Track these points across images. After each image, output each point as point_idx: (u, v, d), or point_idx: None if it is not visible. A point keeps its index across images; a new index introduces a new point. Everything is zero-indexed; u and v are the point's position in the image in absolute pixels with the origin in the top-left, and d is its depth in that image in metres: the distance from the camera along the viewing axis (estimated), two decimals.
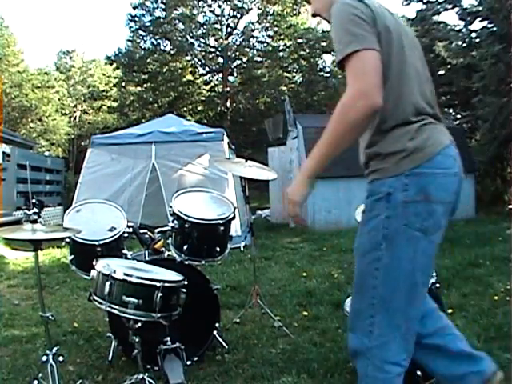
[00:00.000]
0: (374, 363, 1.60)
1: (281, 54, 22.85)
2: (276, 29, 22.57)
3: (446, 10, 14.64)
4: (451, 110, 19.20)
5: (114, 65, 23.55)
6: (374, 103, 1.45)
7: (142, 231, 3.08)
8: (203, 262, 2.98)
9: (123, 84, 23.71)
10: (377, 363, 1.60)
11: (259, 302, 3.59)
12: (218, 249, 2.98)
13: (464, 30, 14.41)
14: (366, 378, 1.64)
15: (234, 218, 3.06)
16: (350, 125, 1.51)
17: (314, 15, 1.85)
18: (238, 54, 23.04)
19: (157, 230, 3.07)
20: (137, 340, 2.21)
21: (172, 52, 22.48)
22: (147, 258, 2.96)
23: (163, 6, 22.03)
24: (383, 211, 1.55)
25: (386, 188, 1.55)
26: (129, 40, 23.28)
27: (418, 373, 2.19)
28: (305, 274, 5.13)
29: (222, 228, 2.95)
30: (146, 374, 2.26)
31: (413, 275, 1.57)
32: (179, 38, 21.92)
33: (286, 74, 23.31)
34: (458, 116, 18.00)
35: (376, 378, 1.61)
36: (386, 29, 1.55)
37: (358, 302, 1.69)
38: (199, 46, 23.03)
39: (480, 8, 12.05)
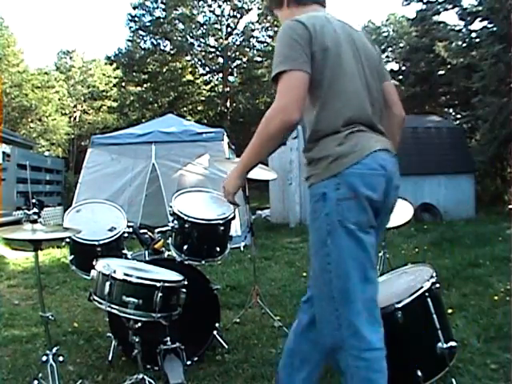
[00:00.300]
0: (353, 354, 1.67)
1: None
2: (276, 29, 22.55)
3: (446, 10, 14.66)
4: (451, 110, 19.22)
5: (114, 65, 23.57)
6: (291, 119, 1.61)
7: (141, 231, 3.08)
8: (203, 262, 2.98)
9: (123, 84, 23.72)
10: (355, 353, 1.67)
11: (259, 302, 3.59)
12: (218, 249, 2.97)
13: (464, 30, 14.42)
14: (350, 369, 1.69)
15: (233, 218, 3.06)
16: (268, 136, 1.67)
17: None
18: (237, 54, 23.05)
19: (157, 230, 3.07)
20: (137, 340, 2.21)
21: (172, 52, 22.49)
22: (147, 258, 2.96)
23: (163, 6, 22.03)
24: (322, 210, 1.69)
25: (322, 189, 1.70)
26: (129, 40, 23.30)
27: (418, 373, 2.18)
28: (305, 274, 5.13)
29: (221, 228, 2.95)
30: (146, 374, 2.26)
31: (360, 263, 1.69)
32: (179, 38, 21.93)
33: None
34: (458, 116, 18.02)
35: (358, 368, 1.67)
36: (322, 48, 1.68)
37: (319, 300, 1.79)
38: (199, 46, 23.04)
39: (480, 8, 12.05)
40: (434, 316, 2.23)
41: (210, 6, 22.54)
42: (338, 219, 1.66)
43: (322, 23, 1.75)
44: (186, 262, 2.89)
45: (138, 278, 2.16)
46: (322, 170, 1.71)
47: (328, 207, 1.68)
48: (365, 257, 1.70)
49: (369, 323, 1.71)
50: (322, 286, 1.74)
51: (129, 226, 3.02)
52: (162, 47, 23.08)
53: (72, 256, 2.98)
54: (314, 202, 1.74)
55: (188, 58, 23.09)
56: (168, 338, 2.52)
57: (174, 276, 2.39)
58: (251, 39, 23.21)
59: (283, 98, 1.63)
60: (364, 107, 1.75)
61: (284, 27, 1.74)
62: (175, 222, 2.92)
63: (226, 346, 2.96)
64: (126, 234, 2.99)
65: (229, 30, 22.85)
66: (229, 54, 22.60)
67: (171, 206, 2.96)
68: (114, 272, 2.14)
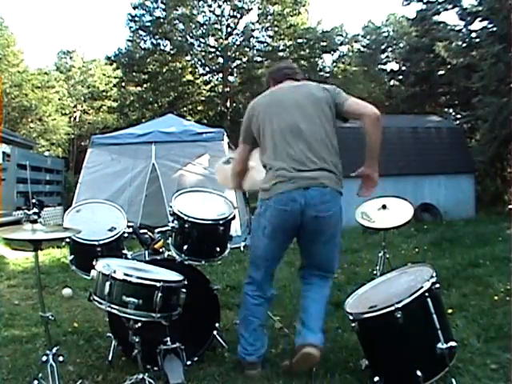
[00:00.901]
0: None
1: (281, 54, 22.79)
2: (276, 29, 22.54)
3: (446, 10, 14.66)
4: (451, 110, 19.21)
5: (114, 65, 23.52)
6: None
7: (141, 231, 3.08)
8: (203, 262, 2.98)
9: (123, 84, 23.68)
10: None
11: None
12: (218, 249, 2.98)
13: (464, 30, 14.42)
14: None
15: (234, 218, 3.06)
16: None
17: None
18: (237, 54, 23.01)
19: (157, 230, 3.07)
20: (137, 340, 2.21)
21: (172, 52, 22.45)
22: (147, 258, 2.96)
23: (163, 6, 21.99)
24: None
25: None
26: (129, 40, 23.25)
27: (418, 373, 2.19)
28: None
29: (221, 228, 2.95)
30: (146, 374, 2.26)
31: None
32: (179, 38, 21.89)
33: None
34: (458, 116, 18.00)
35: None
36: (257, 118, 2.81)
37: None
38: (199, 46, 23.00)
39: (480, 8, 12.05)
40: (434, 316, 2.24)
41: (210, 6, 22.50)
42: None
43: (268, 94, 2.89)
44: (186, 262, 2.89)
45: (138, 278, 2.17)
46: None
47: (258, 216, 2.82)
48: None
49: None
50: None
51: (129, 226, 3.02)
52: (162, 47, 23.03)
53: (72, 256, 2.98)
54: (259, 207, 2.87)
55: (188, 58, 23.05)
56: (168, 338, 2.52)
57: (174, 276, 2.39)
58: (251, 39, 23.16)
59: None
60: (292, 154, 2.63)
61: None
62: (175, 222, 2.92)
63: (226, 346, 2.96)
64: (125, 234, 2.99)
65: (229, 29, 22.81)
66: (229, 54, 22.57)
67: (171, 206, 2.96)
68: (114, 272, 2.14)
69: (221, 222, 2.96)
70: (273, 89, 2.86)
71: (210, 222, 2.93)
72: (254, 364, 2.62)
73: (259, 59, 23.16)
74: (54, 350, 2.23)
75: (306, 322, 2.68)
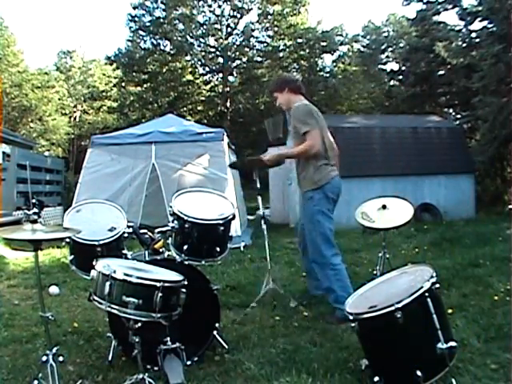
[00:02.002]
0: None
1: (281, 54, 22.84)
2: (276, 29, 22.56)
3: (446, 10, 14.66)
4: (451, 110, 19.21)
5: (114, 65, 23.55)
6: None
7: (141, 231, 3.08)
8: (203, 262, 2.98)
9: (123, 84, 23.70)
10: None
11: (275, 285, 3.80)
12: (218, 249, 2.98)
13: (464, 30, 14.42)
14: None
15: (234, 217, 3.06)
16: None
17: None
18: (237, 53, 23.03)
19: (157, 230, 3.07)
20: (137, 340, 2.21)
21: (172, 52, 22.47)
22: (147, 258, 2.96)
23: (163, 6, 22.02)
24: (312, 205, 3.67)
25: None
26: (129, 40, 23.28)
27: (418, 373, 2.19)
28: (305, 274, 5.12)
29: (221, 228, 2.95)
30: (146, 374, 2.26)
31: None
32: (179, 38, 21.91)
33: (286, 73, 23.29)
34: (458, 116, 18.00)
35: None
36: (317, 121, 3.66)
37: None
38: (199, 46, 23.02)
39: (480, 8, 12.04)
40: (434, 316, 2.23)
41: (210, 6, 22.52)
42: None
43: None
44: (186, 262, 2.89)
45: (138, 278, 2.16)
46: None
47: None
48: None
49: None
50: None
51: (129, 226, 3.02)
52: (162, 47, 23.06)
53: (72, 256, 2.98)
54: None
55: (188, 58, 23.06)
56: (168, 338, 2.52)
57: (174, 276, 2.39)
58: (251, 39, 23.19)
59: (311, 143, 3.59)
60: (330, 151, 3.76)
61: (300, 105, 3.74)
62: (175, 222, 2.92)
63: (226, 346, 2.96)
64: (125, 234, 2.99)
65: (229, 30, 22.82)
66: (229, 53, 22.57)
67: (171, 206, 2.96)
68: (114, 272, 2.14)
69: (221, 222, 2.95)
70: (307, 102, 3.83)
71: (210, 222, 2.93)
72: None
73: (259, 59, 23.19)
74: (54, 350, 2.23)
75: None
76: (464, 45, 14.01)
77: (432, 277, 2.35)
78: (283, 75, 4.50)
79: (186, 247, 2.87)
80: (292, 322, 3.54)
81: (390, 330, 2.29)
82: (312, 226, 3.59)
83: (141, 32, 22.80)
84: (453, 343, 2.24)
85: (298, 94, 3.81)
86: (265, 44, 23.37)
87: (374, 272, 3.84)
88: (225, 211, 3.04)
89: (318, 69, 23.82)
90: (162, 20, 22.03)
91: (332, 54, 24.58)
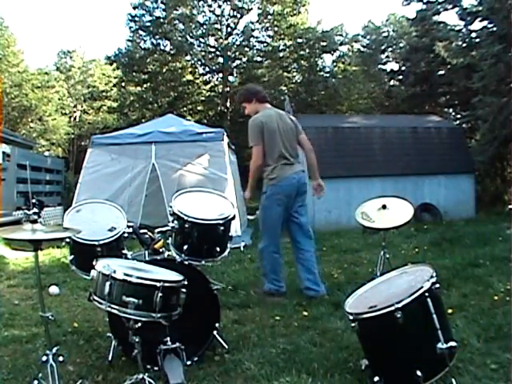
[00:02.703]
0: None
1: (281, 54, 22.80)
2: (276, 29, 22.52)
3: (446, 10, 14.65)
4: (451, 110, 19.20)
5: (114, 65, 23.51)
6: (258, 164, 4.20)
7: (141, 231, 3.08)
8: (203, 262, 2.98)
9: (123, 84, 23.66)
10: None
11: None
12: (218, 249, 2.98)
13: (464, 30, 14.41)
14: None
15: (234, 218, 3.06)
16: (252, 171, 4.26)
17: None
18: (237, 53, 23.00)
19: (157, 230, 3.07)
20: (137, 340, 2.20)
21: (172, 52, 22.44)
22: (147, 258, 2.96)
23: (163, 6, 21.99)
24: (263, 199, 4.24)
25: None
26: (129, 40, 23.23)
27: (418, 373, 2.19)
28: None
29: (222, 228, 2.95)
30: (146, 374, 2.26)
31: None
32: (179, 38, 21.88)
33: (285, 73, 23.27)
34: (458, 116, 18.00)
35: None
36: (267, 130, 4.15)
37: None
38: (199, 46, 22.98)
39: (480, 8, 12.04)
40: (434, 316, 2.24)
41: (210, 5, 22.48)
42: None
43: (269, 115, 4.24)
44: (186, 262, 2.89)
45: (138, 278, 2.16)
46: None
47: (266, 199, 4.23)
48: None
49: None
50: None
51: (129, 226, 3.02)
52: (162, 47, 23.01)
53: (72, 256, 2.98)
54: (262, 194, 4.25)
55: (188, 57, 23.03)
56: (168, 338, 2.52)
57: (174, 276, 2.39)
58: (251, 39, 23.15)
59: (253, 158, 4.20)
60: (282, 151, 4.18)
61: (252, 120, 4.22)
62: (175, 222, 2.92)
63: (226, 346, 2.96)
64: (125, 234, 2.99)
65: (229, 29, 22.79)
66: (229, 54, 22.54)
67: (171, 206, 2.96)
68: (114, 272, 2.14)
69: (221, 221, 2.96)
70: (266, 111, 4.32)
71: (210, 221, 2.94)
72: (285, 293, 4.20)
73: (259, 59, 23.16)
74: (54, 350, 2.23)
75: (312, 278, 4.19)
76: (464, 45, 14.00)
77: (432, 277, 2.35)
78: (249, 86, 4.84)
79: (186, 247, 2.87)
80: (292, 321, 3.55)
81: (390, 330, 2.29)
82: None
83: (141, 32, 22.76)
84: (453, 343, 2.24)
85: (264, 103, 4.33)
86: (265, 44, 23.34)
87: (374, 272, 3.84)
88: (225, 211, 3.04)
89: (318, 69, 23.76)
90: (162, 20, 21.99)
91: (332, 54, 24.56)
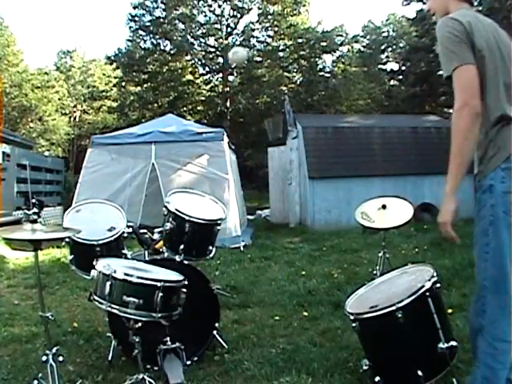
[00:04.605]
0: (487, 340, 1.87)
1: (281, 54, 22.82)
2: (276, 29, 22.54)
3: None
4: (451, 110, 19.22)
5: (114, 65, 23.53)
6: (476, 110, 1.78)
7: (141, 231, 3.08)
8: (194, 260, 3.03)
9: (123, 84, 23.67)
10: (489, 339, 1.86)
11: None
12: (210, 247, 3.05)
13: None
14: (480, 353, 1.91)
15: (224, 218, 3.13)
16: (464, 137, 1.81)
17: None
18: None
19: (156, 230, 3.08)
20: (137, 340, 2.20)
21: (172, 52, 22.45)
22: (147, 258, 2.96)
23: (163, 6, 22.00)
24: (488, 201, 1.89)
25: (488, 181, 1.90)
26: (129, 40, 23.26)
27: (419, 373, 2.18)
28: (304, 274, 5.13)
29: (217, 228, 3.04)
30: (146, 374, 2.26)
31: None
32: (179, 38, 21.88)
33: (286, 73, 23.29)
34: None
35: (486, 354, 1.87)
36: (477, 43, 1.84)
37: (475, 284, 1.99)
38: (199, 45, 23.00)
39: (480, 8, 12.04)
40: (435, 316, 2.23)
41: (210, 5, 22.50)
42: (502, 211, 1.82)
43: (475, 21, 1.89)
44: (186, 262, 2.89)
45: (139, 277, 2.16)
46: (487, 162, 1.92)
47: (494, 198, 1.85)
48: None
49: (507, 316, 1.84)
50: (478, 273, 1.93)
51: (128, 226, 3.02)
52: (162, 47, 23.03)
53: (72, 256, 2.98)
54: (480, 193, 1.95)
55: (188, 57, 23.04)
56: (168, 338, 2.52)
57: (174, 276, 2.38)
58: (251, 39, 23.17)
59: (459, 98, 1.81)
60: (505, 98, 1.88)
61: (441, 26, 1.92)
62: (173, 221, 2.91)
63: (226, 346, 2.96)
64: (125, 234, 2.99)
65: (229, 29, 22.81)
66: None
67: (166, 206, 2.96)
68: (115, 272, 2.14)
69: (218, 221, 3.03)
70: (468, 12, 1.96)
71: (210, 221, 2.97)
72: None
73: (259, 59, 23.16)
74: (54, 350, 2.22)
75: None
76: None
77: (433, 276, 2.35)
78: None
79: (182, 246, 2.88)
80: (292, 321, 3.54)
81: (391, 329, 2.29)
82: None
83: (141, 32, 22.78)
84: (453, 343, 2.25)
85: (461, 1, 2.04)
86: (265, 44, 23.36)
87: (374, 272, 3.84)
88: (218, 212, 3.11)
89: (318, 69, 23.79)
90: (161, 20, 22.01)
91: (332, 55, 24.58)
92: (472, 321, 2.01)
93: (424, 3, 15.38)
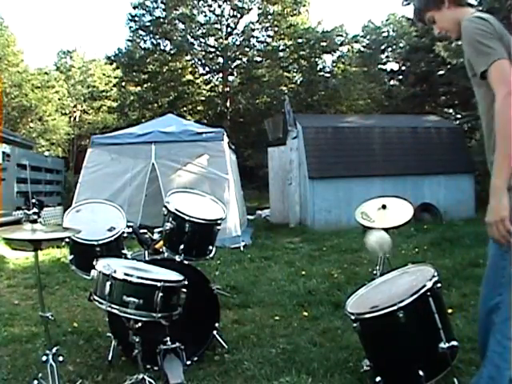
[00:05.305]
0: (497, 338, 1.85)
1: (281, 54, 22.81)
2: (276, 29, 22.53)
3: None
4: (451, 110, 19.20)
5: (114, 65, 23.53)
6: None
7: (141, 231, 3.08)
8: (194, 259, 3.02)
9: (123, 84, 23.66)
10: (498, 338, 1.85)
11: None
12: (210, 247, 3.04)
13: None
14: (490, 352, 1.88)
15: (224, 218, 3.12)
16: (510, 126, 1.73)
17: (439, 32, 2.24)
18: (237, 53, 22.99)
19: (156, 230, 3.08)
20: (137, 340, 2.20)
21: (172, 52, 22.45)
22: (147, 258, 2.96)
23: (163, 6, 22.00)
24: None
25: None
26: (129, 40, 23.25)
27: (420, 373, 2.18)
28: (304, 274, 5.13)
29: (217, 228, 3.02)
30: (146, 374, 2.25)
31: None
32: (179, 38, 21.88)
33: (286, 73, 23.26)
34: (458, 116, 17.98)
35: (494, 352, 1.86)
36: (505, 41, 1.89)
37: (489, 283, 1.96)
38: (199, 45, 22.99)
39: (480, 8, 12.04)
40: (436, 315, 2.23)
41: (210, 5, 22.49)
42: None
43: (494, 20, 1.94)
44: (186, 262, 2.89)
45: (139, 277, 2.16)
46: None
47: None
48: None
49: None
50: (496, 270, 1.89)
51: (128, 226, 3.02)
52: (162, 47, 23.03)
53: (72, 256, 2.98)
54: None
55: (188, 57, 23.03)
56: (168, 338, 2.52)
57: (174, 276, 2.38)
58: (251, 39, 23.16)
59: (503, 88, 1.77)
60: None
61: (469, 24, 1.92)
62: (173, 221, 2.91)
63: (226, 346, 2.96)
64: (125, 234, 2.99)
65: (229, 29, 22.80)
66: (229, 54, 22.53)
67: (166, 206, 2.95)
68: (115, 272, 2.14)
69: (218, 221, 3.02)
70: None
71: (210, 221, 2.96)
72: None
73: (259, 59, 23.15)
74: (54, 350, 2.22)
75: None
76: None
77: (434, 276, 2.35)
78: None
79: (182, 246, 2.88)
80: (292, 321, 3.54)
81: (392, 329, 2.29)
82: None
83: (141, 32, 22.77)
84: (454, 342, 2.24)
85: (464, 7, 2.13)
86: (265, 44, 23.34)
87: (374, 272, 3.84)
88: (218, 212, 3.10)
89: (318, 69, 23.78)
90: (161, 20, 22.00)
91: (332, 55, 24.57)
92: (482, 320, 1.99)
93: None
